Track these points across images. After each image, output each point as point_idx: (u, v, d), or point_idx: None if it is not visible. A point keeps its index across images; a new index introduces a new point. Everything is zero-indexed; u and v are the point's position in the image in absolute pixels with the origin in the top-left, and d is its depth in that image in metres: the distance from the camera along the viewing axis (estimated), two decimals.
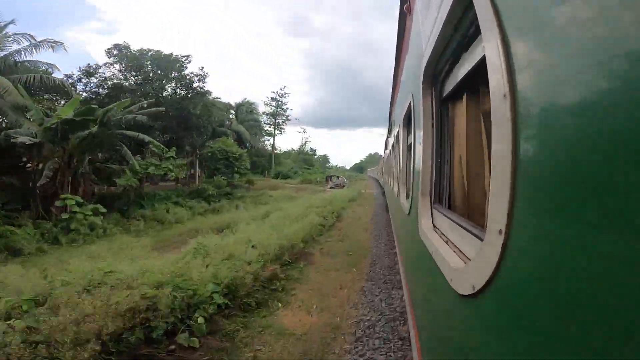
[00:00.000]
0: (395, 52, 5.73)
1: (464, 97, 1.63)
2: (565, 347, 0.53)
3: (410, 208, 2.95)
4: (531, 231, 0.65)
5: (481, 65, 1.13)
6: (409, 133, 3.96)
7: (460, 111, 1.72)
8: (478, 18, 0.94)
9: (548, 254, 0.59)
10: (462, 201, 1.65)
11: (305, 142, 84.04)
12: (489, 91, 0.86)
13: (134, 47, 25.88)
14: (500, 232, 0.76)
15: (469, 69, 1.30)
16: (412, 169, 2.98)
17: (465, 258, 1.20)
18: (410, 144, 3.36)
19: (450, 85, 1.70)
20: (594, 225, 0.48)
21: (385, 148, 16.74)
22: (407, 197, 3.43)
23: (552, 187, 0.59)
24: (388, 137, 12.62)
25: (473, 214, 1.53)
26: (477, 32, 1.18)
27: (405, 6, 3.32)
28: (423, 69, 1.97)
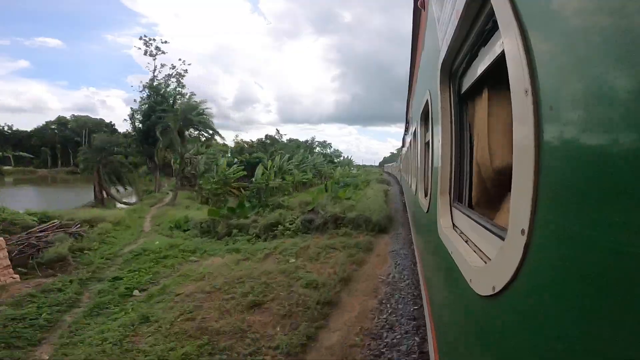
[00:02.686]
0: (410, 48, 5.65)
1: (484, 93, 1.59)
2: (588, 352, 0.51)
3: (429, 206, 2.91)
4: (555, 231, 0.63)
5: (500, 60, 1.10)
6: (427, 130, 3.89)
7: (480, 107, 1.68)
8: (495, 12, 0.92)
9: (572, 255, 0.57)
10: (482, 200, 1.61)
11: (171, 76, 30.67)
12: (509, 87, 0.83)
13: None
14: (522, 231, 0.74)
15: (488, 64, 1.27)
16: (430, 166, 2.93)
17: (486, 258, 1.17)
18: (429, 141, 3.31)
19: (468, 81, 1.67)
20: (621, 225, 0.46)
21: (403, 145, 16.54)
22: (426, 195, 3.38)
23: (577, 185, 0.57)
24: (405, 134, 12.45)
25: (494, 213, 1.49)
26: (495, 26, 1.15)
27: (419, 2, 3.27)
28: (440, 64, 1.94)
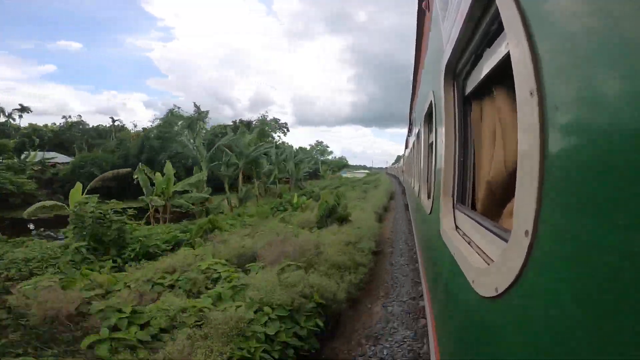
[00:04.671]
0: (414, 49, 5.65)
1: (488, 94, 1.59)
2: (593, 355, 0.51)
3: (431, 208, 2.91)
4: (559, 233, 0.63)
5: (505, 61, 1.10)
6: (430, 131, 3.89)
7: (484, 109, 1.68)
8: (500, 13, 0.92)
9: (577, 256, 0.57)
10: (485, 201, 1.61)
11: None
12: (514, 88, 0.83)
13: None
14: (526, 233, 0.74)
15: (492, 65, 1.27)
16: (433, 168, 2.93)
17: (489, 259, 1.17)
18: (432, 142, 3.31)
19: (472, 83, 1.67)
20: (625, 227, 0.46)
21: (406, 147, 16.51)
22: (429, 196, 3.38)
23: (581, 187, 0.57)
24: (408, 135, 12.45)
25: (496, 215, 1.49)
26: (500, 28, 1.15)
27: (423, 3, 3.27)
28: (444, 66, 1.94)
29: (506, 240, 0.93)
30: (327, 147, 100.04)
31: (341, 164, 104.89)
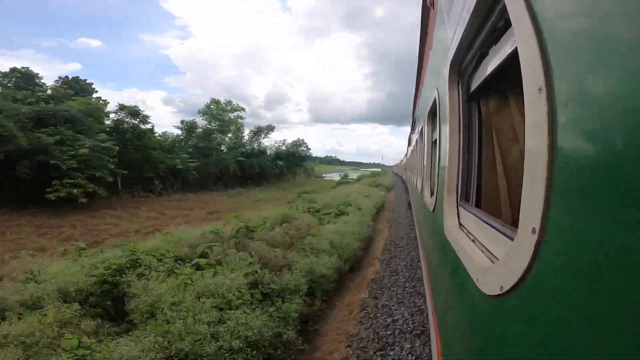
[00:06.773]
0: (418, 45, 5.61)
1: (494, 91, 1.58)
2: (600, 355, 0.50)
3: (435, 205, 2.90)
4: (568, 230, 0.63)
5: (512, 58, 1.09)
6: (434, 129, 3.88)
7: (489, 106, 1.67)
8: (507, 9, 0.91)
9: (586, 254, 0.56)
10: (490, 199, 1.60)
11: None
12: (521, 85, 0.83)
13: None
14: (533, 230, 0.73)
15: (499, 62, 1.26)
16: (437, 165, 2.92)
17: (493, 257, 1.17)
18: (436, 139, 3.30)
19: (478, 80, 1.65)
20: (635, 225, 0.45)
21: (409, 144, 16.48)
22: (432, 194, 3.37)
23: (591, 184, 0.56)
24: (411, 133, 12.42)
25: (501, 212, 1.48)
26: (507, 24, 1.14)
27: (428, 0, 3.24)
28: (449, 63, 1.92)
29: (511, 238, 0.92)
30: (241, 111, 49.43)
31: (301, 158, 57.50)
